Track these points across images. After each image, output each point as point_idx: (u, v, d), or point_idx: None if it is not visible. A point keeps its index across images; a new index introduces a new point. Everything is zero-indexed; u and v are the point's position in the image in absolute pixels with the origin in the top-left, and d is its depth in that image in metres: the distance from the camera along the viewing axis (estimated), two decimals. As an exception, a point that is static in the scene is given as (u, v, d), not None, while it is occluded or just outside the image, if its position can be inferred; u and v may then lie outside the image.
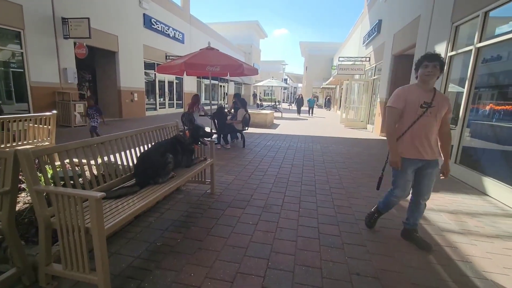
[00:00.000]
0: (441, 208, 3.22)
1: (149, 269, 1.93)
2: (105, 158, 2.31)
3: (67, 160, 2.23)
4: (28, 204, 2.30)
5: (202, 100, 21.93)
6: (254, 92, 32.21)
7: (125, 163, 2.55)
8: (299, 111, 19.66)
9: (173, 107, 16.10)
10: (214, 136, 6.46)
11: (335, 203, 3.26)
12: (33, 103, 7.43)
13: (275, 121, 13.42)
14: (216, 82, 23.62)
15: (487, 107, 4.47)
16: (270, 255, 2.15)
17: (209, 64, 5.46)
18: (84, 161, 2.12)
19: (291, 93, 51.30)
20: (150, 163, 2.44)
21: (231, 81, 26.56)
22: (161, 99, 14.95)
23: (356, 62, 13.80)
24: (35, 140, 3.63)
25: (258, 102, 26.68)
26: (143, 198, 2.09)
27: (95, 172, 2.23)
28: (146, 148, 2.78)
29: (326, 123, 14.03)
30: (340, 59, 14.69)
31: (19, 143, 3.42)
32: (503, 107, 4.12)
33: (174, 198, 3.22)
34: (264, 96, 39.78)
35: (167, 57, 13.93)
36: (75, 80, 8.64)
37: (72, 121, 7.93)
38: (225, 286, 1.79)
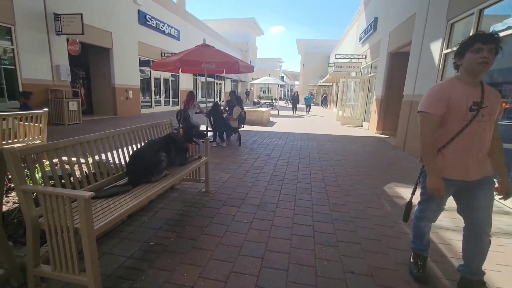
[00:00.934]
0: (436, 206, 3.24)
1: (142, 269, 1.90)
2: (96, 157, 2.27)
3: (58, 159, 2.18)
4: (17, 204, 2.25)
5: (199, 98, 21.87)
6: (247, 89, 32.10)
7: (117, 162, 2.51)
8: (294, 109, 18.66)
9: (169, 104, 15.98)
10: (210, 134, 6.43)
11: (330, 201, 3.25)
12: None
13: (272, 119, 13.39)
14: (212, 79, 23.51)
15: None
16: (265, 254, 2.13)
17: (204, 61, 5.42)
18: (74, 159, 2.07)
19: (288, 90, 51.29)
20: (142, 161, 2.40)
21: (228, 78, 26.45)
22: (157, 97, 14.83)
23: (353, 60, 13.80)
24: (26, 139, 3.56)
25: (255, 100, 26.66)
26: (135, 197, 2.05)
27: (86, 171, 2.19)
28: (139, 146, 2.74)
29: (323, 121, 14.06)
30: (337, 56, 14.68)
31: (9, 142, 3.35)
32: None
33: (168, 197, 3.19)
34: (262, 93, 39.67)
35: (163, 54, 13.79)
36: (68, 77, 8.51)
37: (66, 119, 7.81)
38: (218, 286, 1.77)
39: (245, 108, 11.24)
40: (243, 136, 7.67)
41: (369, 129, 10.42)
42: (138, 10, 12.01)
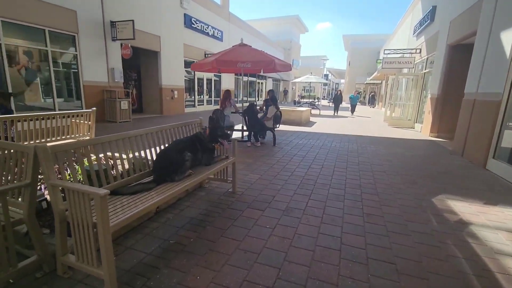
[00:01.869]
0: (498, 225, 2.70)
1: (158, 267, 1.92)
2: (130, 155, 2.38)
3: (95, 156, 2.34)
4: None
5: (240, 97, 22.27)
6: (285, 88, 31.59)
7: (145, 160, 2.60)
8: (336, 110, 16.56)
9: (211, 104, 16.57)
10: (245, 133, 6.43)
11: (364, 211, 2.95)
12: (85, 100, 8.24)
13: (312, 119, 12.96)
14: (254, 79, 23.73)
15: None
16: (283, 264, 2.00)
17: (240, 61, 5.42)
18: (117, 155, 2.19)
19: (332, 89, 49.35)
20: (167, 160, 2.45)
21: (269, 77, 26.42)
22: (200, 96, 15.49)
23: (405, 55, 12.59)
24: (77, 135, 3.96)
25: (296, 99, 26.14)
26: (152, 198, 2.08)
27: (124, 167, 2.31)
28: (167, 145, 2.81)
29: (368, 122, 13.11)
30: (386, 51, 13.53)
31: (63, 137, 3.75)
32: None
33: (195, 195, 3.23)
34: (304, 93, 38.73)
35: (206, 55, 14.33)
36: (121, 79, 9.36)
37: (117, 117, 8.61)
38: (228, 295, 1.69)
39: (283, 108, 11.08)
40: (279, 136, 7.54)
41: (422, 131, 9.38)
42: (184, 14, 12.66)
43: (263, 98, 24.11)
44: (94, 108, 4.11)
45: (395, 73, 12.65)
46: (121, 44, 9.15)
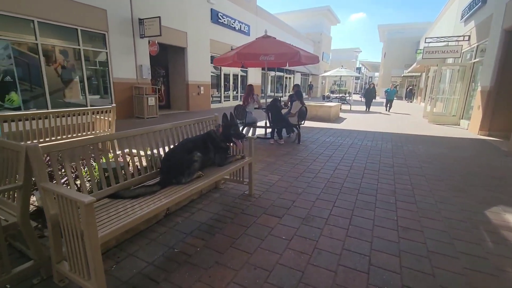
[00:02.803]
0: None
1: (157, 281, 1.74)
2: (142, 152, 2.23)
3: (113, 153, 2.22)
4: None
5: (267, 93, 21.93)
6: (310, 83, 30.42)
7: (151, 158, 2.45)
8: (368, 106, 14.76)
9: (238, 99, 16.44)
10: (269, 130, 6.14)
11: (400, 223, 2.52)
12: (115, 97, 8.53)
13: (342, 115, 12.24)
14: (281, 73, 23.20)
15: None
16: (298, 287, 1.70)
17: (263, 53, 5.12)
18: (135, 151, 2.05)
19: (366, 83, 46.90)
20: (174, 160, 2.26)
21: (297, 72, 25.68)
22: (227, 92, 15.44)
23: (450, 43, 11.31)
24: (97, 131, 3.97)
25: (326, 93, 25.09)
26: (158, 201, 1.90)
27: (143, 163, 2.17)
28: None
29: (405, 118, 12.07)
30: (427, 40, 12.28)
31: (84, 134, 3.78)
32: None
33: (209, 197, 3.04)
34: (337, 87, 37.09)
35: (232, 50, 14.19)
36: (149, 76, 9.55)
37: (145, 113, 8.79)
38: (229, 323, 1.44)
39: (309, 103, 10.56)
40: (305, 133, 7.13)
41: (469, 128, 8.34)
42: (211, 9, 12.58)
43: (288, 94, 23.57)
44: (114, 105, 4.10)
45: (437, 63, 11.42)
46: (149, 41, 9.30)
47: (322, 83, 33.68)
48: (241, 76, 16.47)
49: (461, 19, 11.08)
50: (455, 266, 1.94)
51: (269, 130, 6.09)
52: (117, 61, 8.43)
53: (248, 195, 3.10)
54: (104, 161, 2.20)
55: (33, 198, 2.23)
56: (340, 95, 18.58)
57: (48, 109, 6.84)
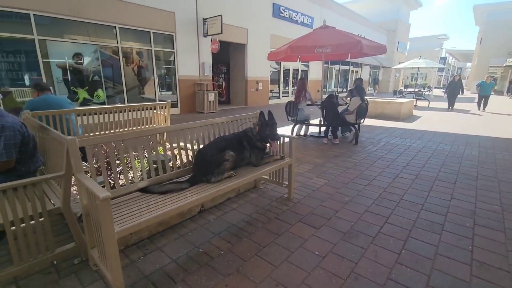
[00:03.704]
0: None
1: (175, 281, 1.71)
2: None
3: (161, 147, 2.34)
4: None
5: (331, 88, 20.71)
6: (375, 77, 27.21)
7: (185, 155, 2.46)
8: (451, 103, 12.10)
9: (297, 95, 16.02)
10: (323, 128, 5.71)
11: (475, 256, 1.95)
12: (180, 93, 9.26)
13: (416, 112, 10.63)
14: (347, 67, 21.62)
15: None
16: (321, 318, 1.44)
17: (318, 45, 4.73)
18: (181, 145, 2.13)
19: (453, 75, 40.13)
20: (205, 158, 2.21)
21: (366, 64, 23.52)
22: (286, 88, 15.17)
23: None
24: (154, 125, 4.30)
25: (400, 88, 22.27)
26: (179, 200, 1.88)
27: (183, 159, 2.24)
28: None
29: (505, 119, 9.77)
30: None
31: (143, 127, 4.14)
32: None
33: (246, 197, 2.94)
34: (412, 81, 32.68)
35: (293, 45, 13.80)
36: (210, 73, 10.04)
37: (205, 108, 9.29)
38: None
39: (376, 99, 9.47)
40: (366, 132, 6.41)
41: None
42: (273, 4, 12.42)
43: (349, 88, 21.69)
44: (169, 100, 4.36)
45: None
46: (211, 39, 9.74)
47: (395, 76, 30.08)
48: (302, 71, 15.94)
49: None
50: (559, 334, 1.36)
51: (323, 128, 5.66)
52: (182, 59, 9.10)
53: (286, 198, 2.89)
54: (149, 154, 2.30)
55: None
56: (417, 90, 16.23)
57: (125, 104, 7.84)
